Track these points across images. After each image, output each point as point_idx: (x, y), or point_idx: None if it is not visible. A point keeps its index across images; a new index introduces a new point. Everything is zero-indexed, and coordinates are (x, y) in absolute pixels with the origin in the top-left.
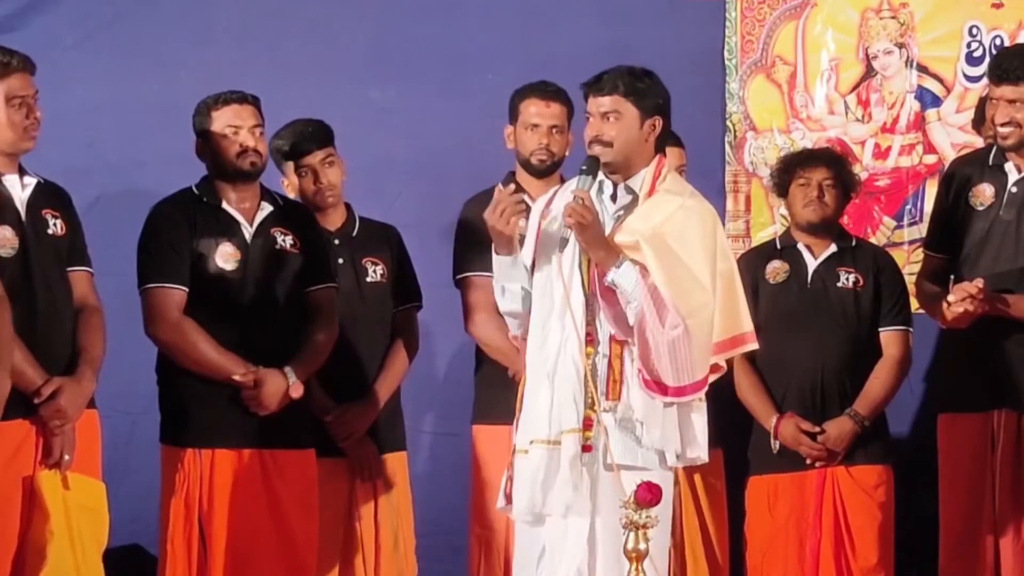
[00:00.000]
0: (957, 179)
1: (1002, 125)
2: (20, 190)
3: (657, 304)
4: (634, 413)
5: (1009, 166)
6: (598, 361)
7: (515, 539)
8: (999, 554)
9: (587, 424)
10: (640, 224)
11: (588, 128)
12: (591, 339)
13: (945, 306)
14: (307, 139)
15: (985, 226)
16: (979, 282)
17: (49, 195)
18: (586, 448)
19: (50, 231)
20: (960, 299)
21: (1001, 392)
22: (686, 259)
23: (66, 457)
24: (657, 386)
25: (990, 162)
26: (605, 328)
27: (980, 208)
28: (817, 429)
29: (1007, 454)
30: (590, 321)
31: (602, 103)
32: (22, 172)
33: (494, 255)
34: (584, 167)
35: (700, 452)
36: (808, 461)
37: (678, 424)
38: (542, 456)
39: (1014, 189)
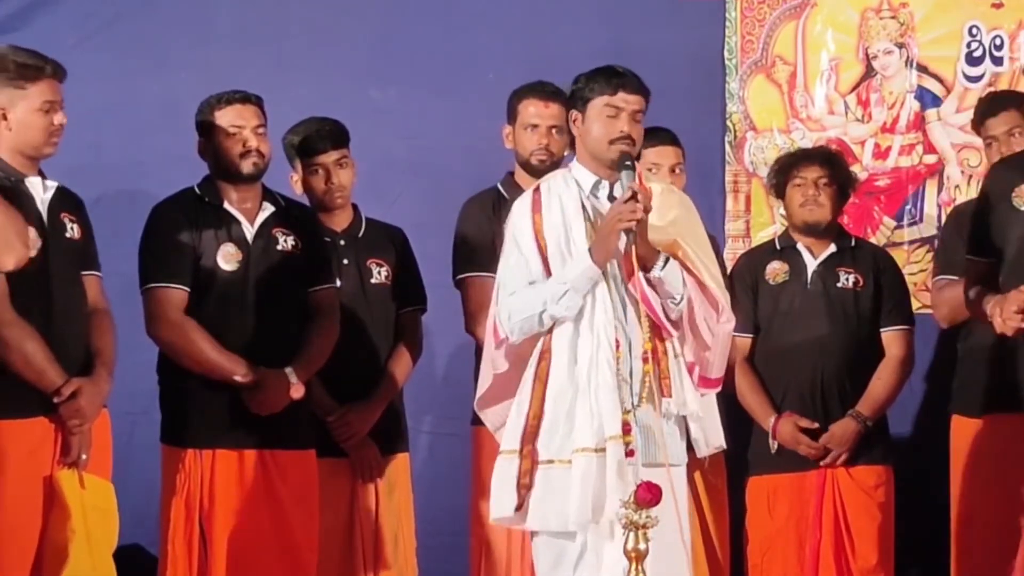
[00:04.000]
0: (999, 180)
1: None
2: (42, 192)
3: (708, 298)
4: (688, 408)
5: None
6: (632, 364)
7: (537, 547)
8: None
9: (626, 429)
10: (659, 222)
11: (616, 123)
12: (617, 343)
13: (1000, 322)
14: (323, 138)
15: None
16: None
17: (67, 200)
18: (628, 453)
19: (68, 235)
20: (1014, 312)
21: None
22: (703, 255)
23: (83, 456)
24: (704, 381)
25: None
26: (632, 329)
27: (1022, 208)
28: (815, 425)
29: None
30: (615, 326)
31: (634, 102)
32: (42, 175)
33: (566, 273)
34: (628, 163)
35: (721, 440)
36: (812, 460)
37: (706, 413)
38: (588, 464)
39: None
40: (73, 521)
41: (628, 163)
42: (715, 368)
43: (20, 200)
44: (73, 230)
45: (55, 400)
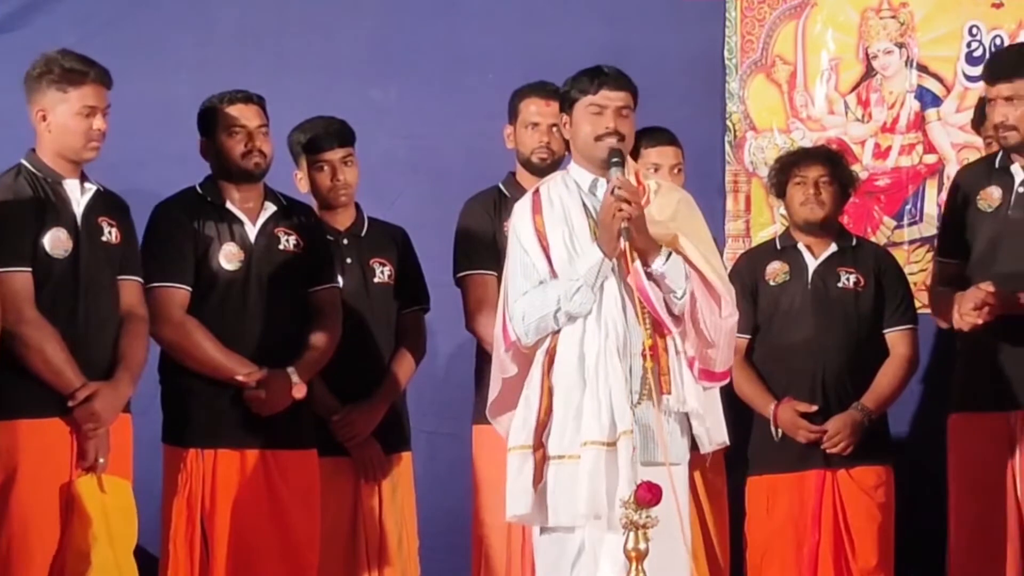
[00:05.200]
0: (965, 184)
1: (1000, 125)
2: (79, 195)
3: (710, 292)
4: (688, 405)
5: (1016, 168)
6: (631, 361)
7: (538, 543)
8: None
9: None
10: (659, 216)
11: (601, 120)
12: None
13: (957, 317)
14: (330, 135)
15: (995, 228)
16: (989, 286)
17: (107, 203)
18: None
19: (104, 238)
20: (971, 309)
21: (1018, 392)
22: (705, 249)
23: (100, 460)
24: (708, 375)
25: (996, 165)
26: (631, 326)
27: (988, 210)
28: (814, 409)
29: None
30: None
31: (617, 98)
32: (83, 178)
33: (573, 269)
34: (615, 159)
35: (725, 436)
36: (808, 445)
37: (708, 409)
38: (596, 458)
39: (1021, 189)
40: (95, 527)
41: (615, 159)
42: (720, 362)
43: (55, 202)
44: (111, 234)
45: (69, 403)
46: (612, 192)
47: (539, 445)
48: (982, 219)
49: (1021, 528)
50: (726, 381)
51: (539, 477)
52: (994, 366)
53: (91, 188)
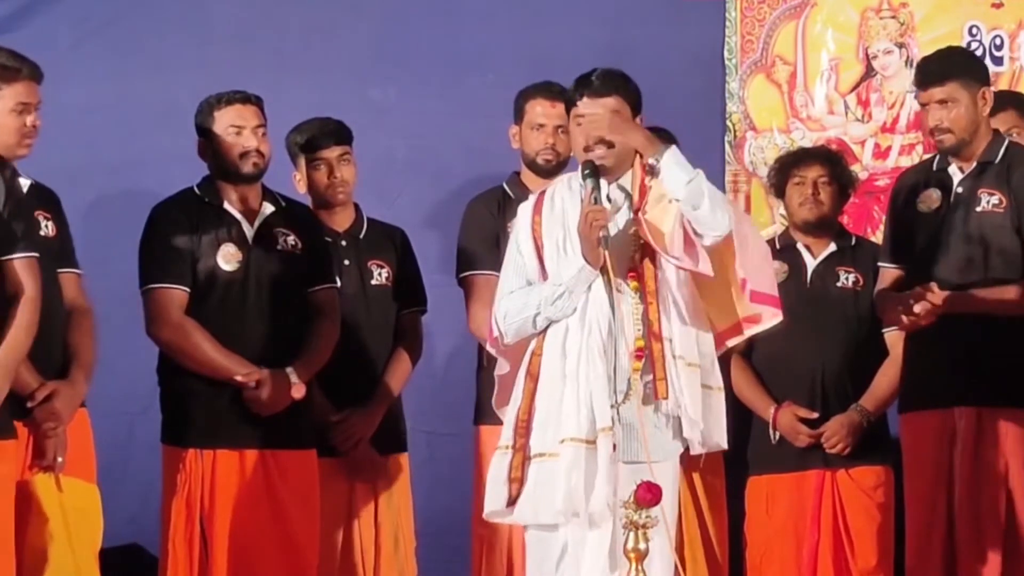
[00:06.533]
0: (905, 189)
1: (936, 128)
2: None
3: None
4: (683, 411)
5: (953, 168)
6: (617, 362)
7: (527, 543)
8: (957, 553)
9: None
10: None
11: (585, 129)
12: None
13: (902, 318)
14: (327, 134)
15: (936, 228)
16: (933, 286)
17: (41, 197)
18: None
19: (42, 232)
20: (916, 311)
21: (959, 388)
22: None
23: (59, 459)
24: (769, 299)
25: (935, 167)
26: (620, 327)
27: (928, 212)
28: (815, 415)
29: (967, 451)
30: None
31: (601, 105)
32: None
33: (560, 274)
34: (587, 171)
35: (723, 440)
36: (807, 447)
37: (708, 411)
38: (576, 454)
39: (960, 189)
40: (52, 525)
41: (587, 172)
42: (768, 284)
43: None
44: (47, 228)
45: (28, 404)
46: (589, 199)
47: (519, 443)
48: (922, 221)
49: (964, 525)
50: (777, 309)
51: (516, 476)
52: (935, 363)
53: (25, 183)
